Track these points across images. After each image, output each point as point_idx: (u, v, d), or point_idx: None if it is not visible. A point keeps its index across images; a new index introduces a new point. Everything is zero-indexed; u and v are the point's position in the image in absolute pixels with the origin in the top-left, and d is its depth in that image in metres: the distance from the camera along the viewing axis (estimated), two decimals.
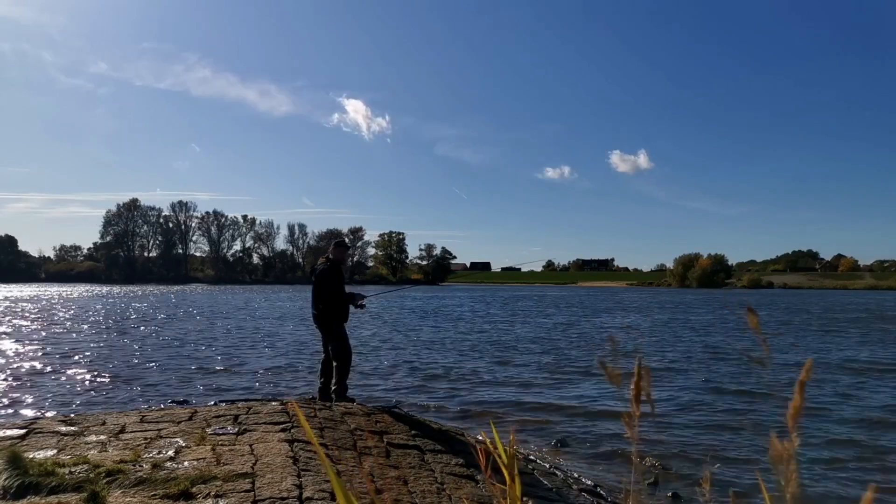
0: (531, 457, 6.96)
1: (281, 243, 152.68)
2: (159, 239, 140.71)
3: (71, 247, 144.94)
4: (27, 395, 10.13)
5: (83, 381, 11.58)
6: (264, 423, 5.65)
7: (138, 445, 4.86)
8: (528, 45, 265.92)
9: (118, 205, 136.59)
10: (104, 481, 3.94)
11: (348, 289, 7.47)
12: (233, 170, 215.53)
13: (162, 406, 8.66)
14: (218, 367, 13.46)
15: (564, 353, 16.66)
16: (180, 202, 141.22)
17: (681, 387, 11.53)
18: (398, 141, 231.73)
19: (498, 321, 29.42)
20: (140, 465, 4.30)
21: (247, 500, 3.78)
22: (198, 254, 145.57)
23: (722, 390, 11.21)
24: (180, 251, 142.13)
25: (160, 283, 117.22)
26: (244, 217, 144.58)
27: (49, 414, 8.37)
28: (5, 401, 9.70)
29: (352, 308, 7.47)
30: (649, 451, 7.16)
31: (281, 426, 5.53)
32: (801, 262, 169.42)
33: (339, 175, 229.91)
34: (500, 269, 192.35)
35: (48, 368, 12.92)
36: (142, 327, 23.72)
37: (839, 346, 19.16)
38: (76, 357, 14.77)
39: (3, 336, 19.57)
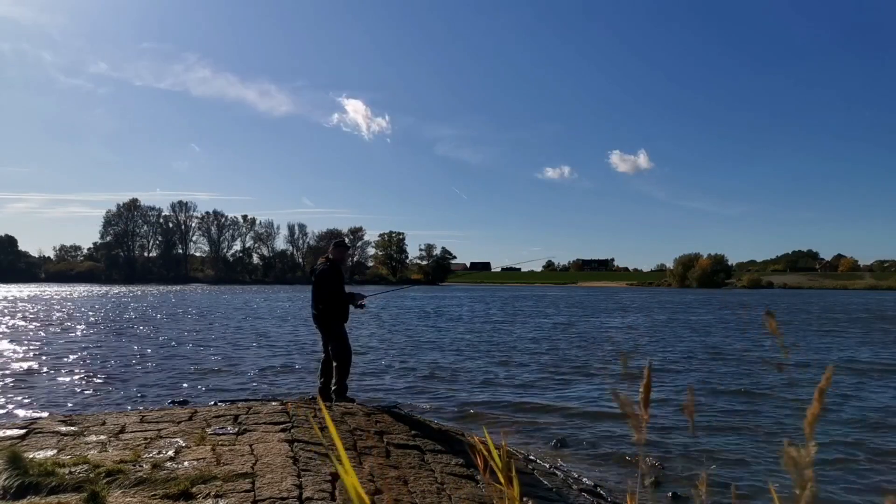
0: (531, 457, 6.95)
1: (281, 243, 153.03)
2: (159, 239, 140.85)
3: (71, 247, 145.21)
4: (27, 396, 10.12)
5: (82, 381, 11.57)
6: (264, 423, 5.65)
7: (138, 445, 4.85)
8: (528, 45, 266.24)
9: (118, 205, 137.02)
10: (104, 481, 3.94)
11: (348, 289, 7.47)
12: (233, 170, 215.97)
13: (162, 406, 8.66)
14: (218, 368, 13.46)
15: (564, 354, 16.65)
16: (180, 202, 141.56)
17: (681, 387, 11.52)
18: (398, 141, 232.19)
19: (498, 321, 29.41)
20: (140, 466, 4.30)
21: (247, 500, 3.78)
22: (198, 254, 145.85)
23: (722, 391, 11.20)
24: (180, 251, 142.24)
25: (160, 284, 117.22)
26: (244, 217, 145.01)
27: (49, 414, 8.36)
28: (4, 401, 9.69)
29: (352, 308, 7.47)
30: (650, 451, 7.15)
31: (281, 426, 5.53)
32: (801, 262, 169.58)
33: (339, 175, 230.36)
34: (499, 269, 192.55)
35: (48, 369, 12.91)
36: (141, 327, 23.71)
37: (839, 346, 19.17)
38: (75, 357, 14.77)
39: (3, 336, 19.56)
